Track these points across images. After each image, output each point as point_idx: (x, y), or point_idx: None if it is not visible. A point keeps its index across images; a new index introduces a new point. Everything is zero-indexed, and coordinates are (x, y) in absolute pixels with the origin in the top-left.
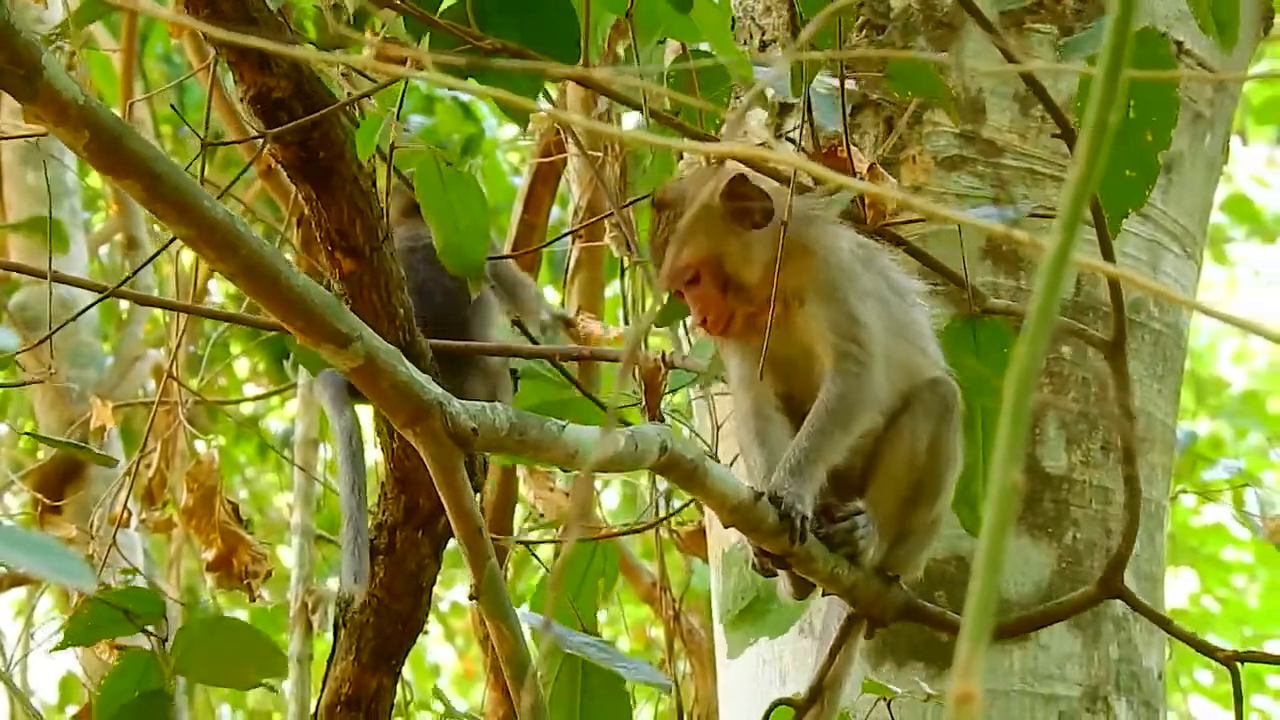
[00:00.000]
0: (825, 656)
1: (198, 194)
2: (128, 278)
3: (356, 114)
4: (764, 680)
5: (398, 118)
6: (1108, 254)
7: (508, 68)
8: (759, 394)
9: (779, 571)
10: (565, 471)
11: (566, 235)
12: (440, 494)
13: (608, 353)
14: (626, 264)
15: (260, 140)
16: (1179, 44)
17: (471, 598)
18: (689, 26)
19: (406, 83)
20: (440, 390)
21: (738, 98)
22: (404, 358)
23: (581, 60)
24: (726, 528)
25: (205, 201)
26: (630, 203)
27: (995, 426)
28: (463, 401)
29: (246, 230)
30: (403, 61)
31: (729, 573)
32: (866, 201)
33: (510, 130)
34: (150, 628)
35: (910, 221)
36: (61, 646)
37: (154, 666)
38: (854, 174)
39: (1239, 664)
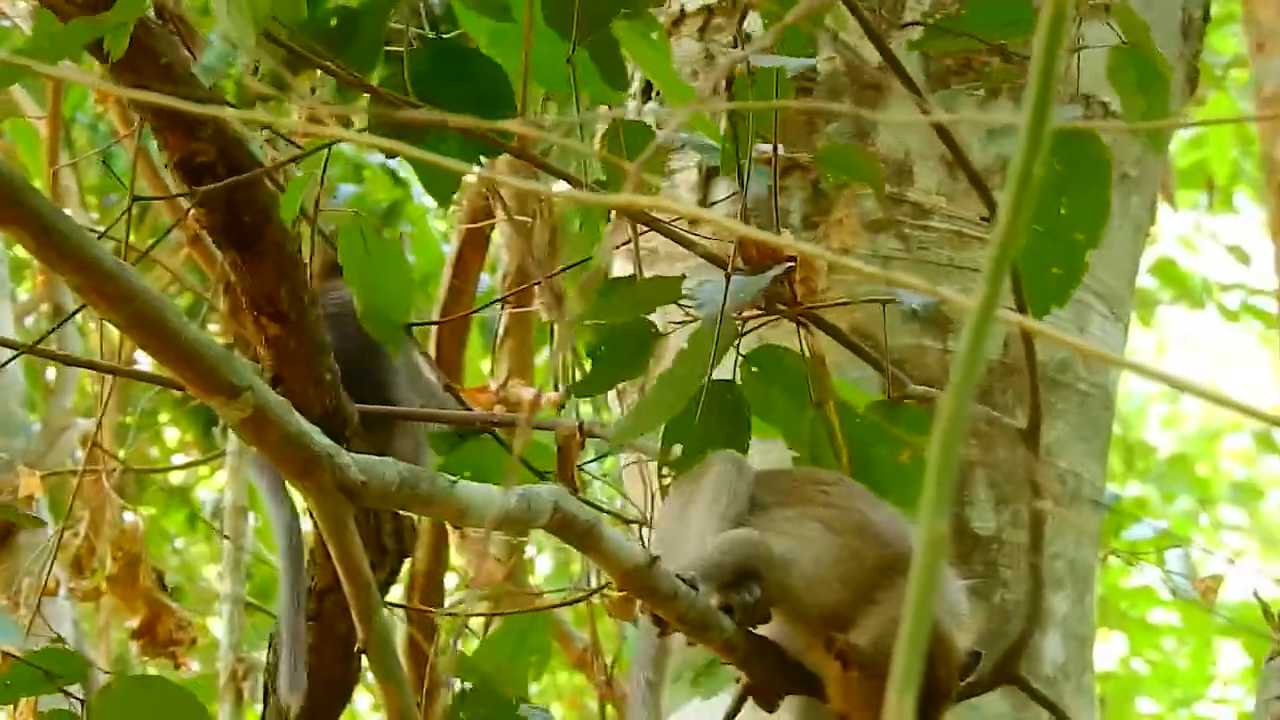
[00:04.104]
0: None
1: (89, 243)
2: (47, 333)
3: (281, 178)
4: None
5: (323, 181)
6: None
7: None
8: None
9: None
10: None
11: (496, 302)
12: (329, 547)
13: (535, 421)
14: (556, 329)
15: (186, 205)
16: (1104, 105)
17: (359, 651)
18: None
19: (332, 146)
20: (329, 443)
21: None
22: (293, 409)
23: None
24: (620, 591)
25: (96, 251)
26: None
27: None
28: (354, 455)
29: (138, 280)
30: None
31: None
32: (796, 279)
33: None
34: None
35: (839, 304)
36: None
37: None
38: (782, 258)
39: None
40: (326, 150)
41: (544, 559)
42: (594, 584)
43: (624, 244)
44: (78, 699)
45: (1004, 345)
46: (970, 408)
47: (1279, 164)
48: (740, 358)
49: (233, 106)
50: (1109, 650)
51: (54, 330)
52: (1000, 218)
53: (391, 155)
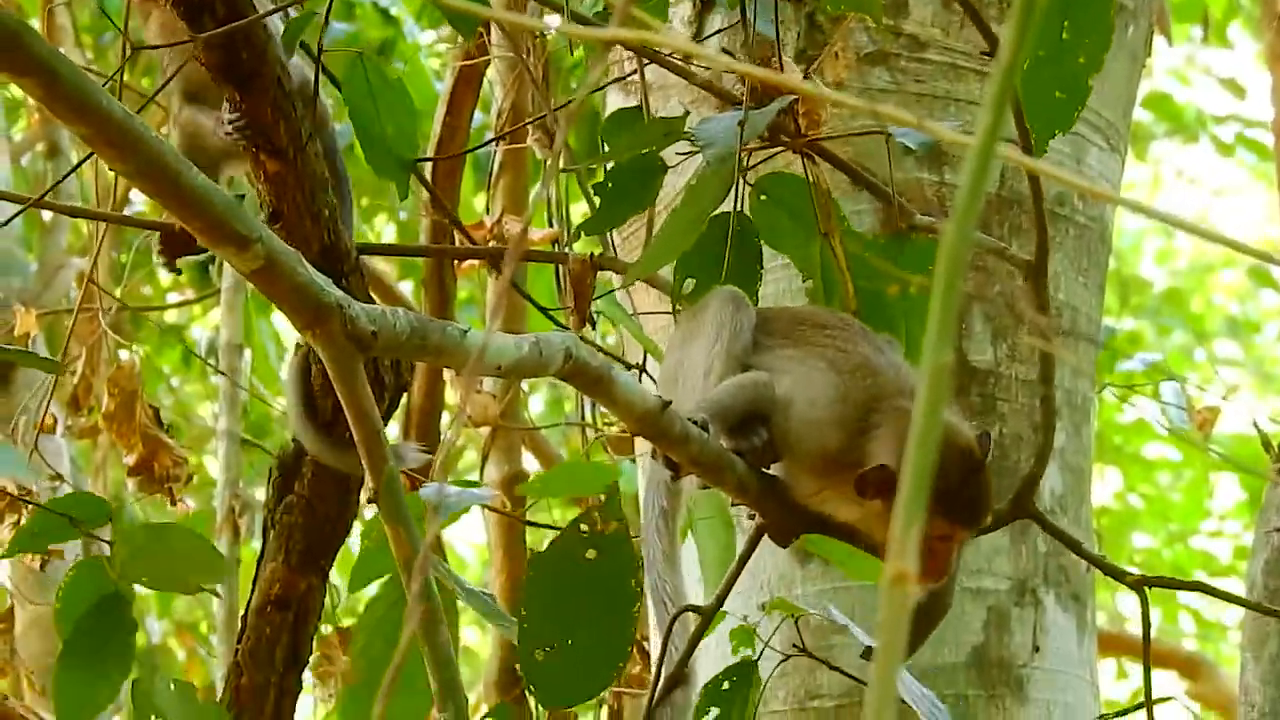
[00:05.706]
0: (732, 567)
1: (96, 92)
2: (50, 188)
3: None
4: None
5: (326, 20)
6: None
7: None
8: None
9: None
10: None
11: (490, 142)
12: (339, 397)
13: (543, 254)
14: (549, 166)
15: (185, 42)
16: None
17: (370, 501)
18: None
19: None
20: (340, 293)
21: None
22: (303, 260)
23: None
24: (633, 436)
25: (103, 99)
26: (564, 104)
27: (919, 341)
28: (363, 305)
29: (146, 129)
30: None
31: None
32: (800, 111)
33: (430, 35)
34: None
35: (841, 136)
36: (8, 554)
37: (106, 573)
38: (784, 88)
39: (1146, 588)
40: None
41: (537, 398)
42: (587, 419)
43: (622, 79)
44: (105, 541)
45: (1001, 178)
46: (971, 240)
47: None
48: (748, 186)
49: None
50: (1104, 485)
51: (58, 184)
52: (1003, 46)
53: None
